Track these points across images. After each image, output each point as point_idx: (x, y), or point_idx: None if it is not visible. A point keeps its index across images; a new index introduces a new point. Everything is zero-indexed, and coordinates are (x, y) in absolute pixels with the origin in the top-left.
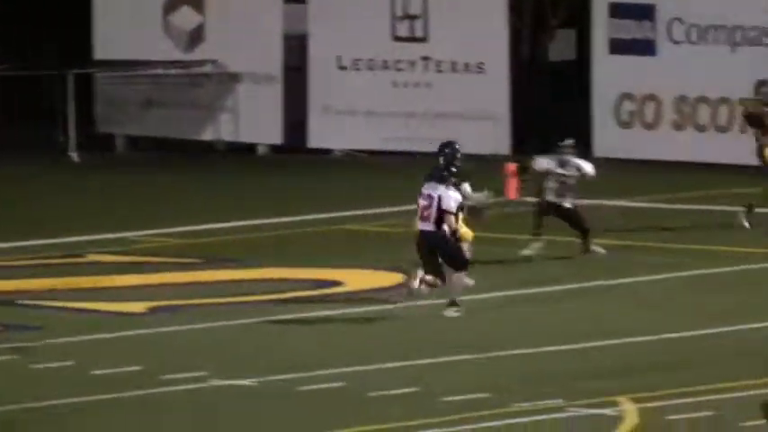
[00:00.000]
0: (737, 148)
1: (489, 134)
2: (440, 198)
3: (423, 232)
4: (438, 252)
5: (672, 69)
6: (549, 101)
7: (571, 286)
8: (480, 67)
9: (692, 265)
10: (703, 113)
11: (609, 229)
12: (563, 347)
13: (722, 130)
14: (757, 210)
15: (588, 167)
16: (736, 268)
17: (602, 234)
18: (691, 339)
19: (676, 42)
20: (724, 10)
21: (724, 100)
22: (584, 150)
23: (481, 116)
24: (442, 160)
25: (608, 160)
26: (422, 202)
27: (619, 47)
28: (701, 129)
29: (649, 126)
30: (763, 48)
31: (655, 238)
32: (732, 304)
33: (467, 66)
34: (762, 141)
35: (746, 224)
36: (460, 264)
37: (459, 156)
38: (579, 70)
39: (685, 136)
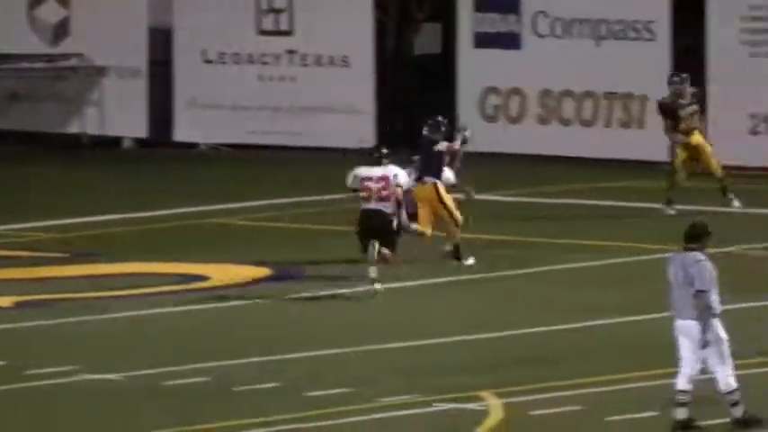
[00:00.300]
0: (602, 142)
1: (354, 128)
2: (396, 176)
3: (377, 211)
4: (381, 230)
5: (536, 63)
6: (415, 94)
7: (440, 280)
8: (345, 61)
9: (562, 259)
10: (568, 107)
11: (480, 222)
12: (430, 342)
13: (587, 124)
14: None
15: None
16: (606, 262)
17: (475, 228)
18: (558, 334)
19: (541, 36)
20: (588, 4)
21: (589, 94)
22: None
23: (346, 110)
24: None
25: (472, 154)
26: (374, 185)
27: (484, 40)
28: (565, 123)
29: (514, 120)
30: (627, 41)
31: (524, 233)
32: (603, 298)
33: (332, 59)
34: (673, 138)
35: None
36: (395, 246)
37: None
38: (444, 64)
39: (550, 130)
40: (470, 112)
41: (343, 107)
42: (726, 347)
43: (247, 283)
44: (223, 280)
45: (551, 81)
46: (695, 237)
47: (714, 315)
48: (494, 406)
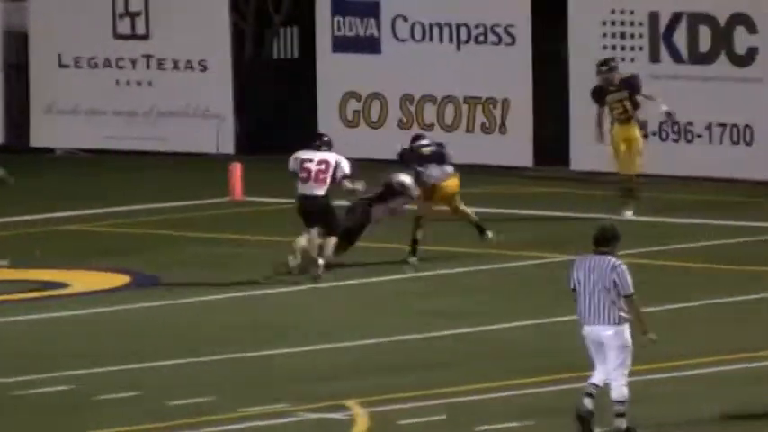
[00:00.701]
0: (464, 147)
1: (213, 133)
2: (337, 163)
3: (315, 197)
4: (320, 215)
5: (397, 68)
6: (274, 99)
7: (305, 287)
8: (203, 66)
9: (430, 266)
10: (429, 112)
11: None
12: (296, 349)
13: (448, 129)
14: (504, 210)
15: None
16: (472, 269)
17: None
18: (425, 341)
19: (401, 40)
20: (448, 8)
21: (449, 99)
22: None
23: (205, 115)
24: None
25: None
26: (314, 167)
27: (343, 45)
28: (426, 128)
29: (374, 125)
30: (488, 46)
31: (390, 239)
32: (471, 305)
33: (189, 64)
34: (600, 127)
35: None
36: (336, 229)
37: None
38: (304, 68)
39: (411, 135)
40: (330, 117)
41: (202, 112)
42: (629, 356)
43: (107, 291)
44: (83, 287)
45: (411, 86)
46: (606, 240)
47: (628, 320)
48: (359, 415)
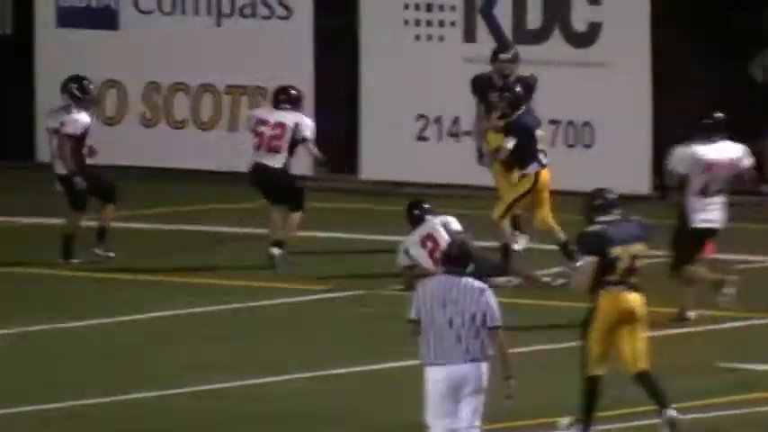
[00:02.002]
0: (227, 150)
1: None
2: (296, 125)
3: (267, 168)
4: (277, 190)
5: (138, 48)
6: None
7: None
8: None
9: (183, 302)
10: (180, 106)
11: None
12: None
13: (204, 126)
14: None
15: None
16: (218, 308)
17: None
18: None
19: (144, 12)
20: None
21: (207, 87)
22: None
23: None
24: None
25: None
26: (267, 131)
27: (69, 18)
28: (178, 125)
29: (110, 121)
30: (255, 20)
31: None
32: (209, 355)
33: None
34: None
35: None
36: (300, 204)
37: None
38: (19, 47)
39: (156, 134)
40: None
41: None
42: (482, 399)
43: None
44: None
45: (158, 71)
46: (462, 258)
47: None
48: None
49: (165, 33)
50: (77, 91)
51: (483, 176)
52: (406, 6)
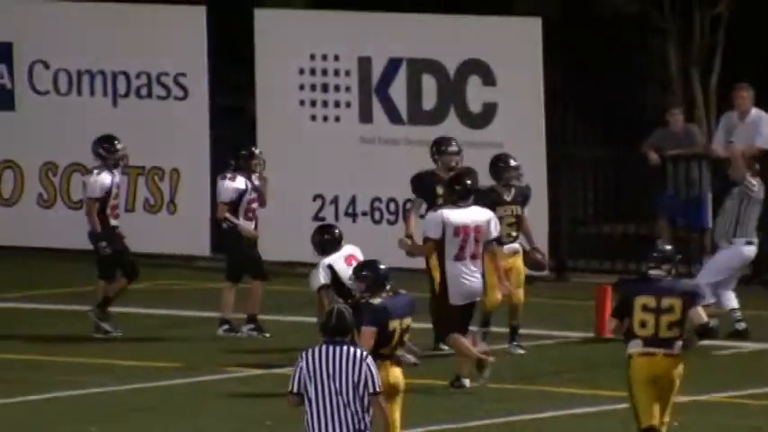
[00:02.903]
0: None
1: None
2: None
3: None
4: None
5: (36, 128)
6: None
7: None
8: None
9: (72, 382)
10: (78, 186)
11: None
12: None
13: None
14: None
15: None
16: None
17: None
18: None
19: (41, 93)
20: (102, 53)
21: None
22: None
23: None
24: None
25: None
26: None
27: None
28: (73, 206)
29: (7, 202)
30: (152, 101)
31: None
32: None
33: None
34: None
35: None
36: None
37: None
38: None
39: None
40: None
41: None
42: None
43: None
44: None
45: (56, 152)
46: (341, 327)
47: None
48: None
49: (62, 113)
50: (103, 151)
51: (379, 256)
52: (302, 87)
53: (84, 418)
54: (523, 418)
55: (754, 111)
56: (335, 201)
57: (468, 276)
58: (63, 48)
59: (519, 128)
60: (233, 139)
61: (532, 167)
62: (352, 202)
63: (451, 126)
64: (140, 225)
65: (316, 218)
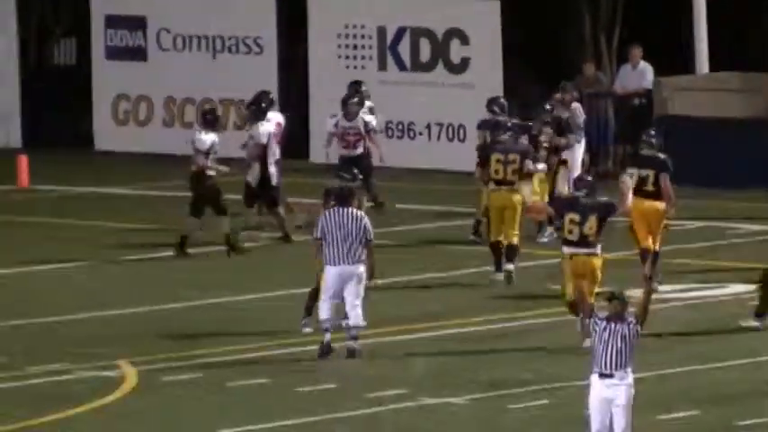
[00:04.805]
0: (222, 142)
1: (2, 131)
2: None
3: None
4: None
5: (161, 74)
6: (57, 101)
7: (82, 263)
8: None
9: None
10: (189, 113)
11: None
12: (73, 317)
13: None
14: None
15: None
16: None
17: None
18: (179, 311)
19: (165, 50)
20: (204, 22)
21: (207, 100)
22: (87, 145)
23: None
24: None
25: (107, 153)
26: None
27: (115, 53)
28: (187, 126)
29: (142, 123)
30: (239, 55)
31: (148, 220)
32: (203, 281)
33: None
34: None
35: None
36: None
37: None
38: (81, 74)
39: (173, 132)
40: (104, 116)
41: None
42: (362, 286)
43: None
44: None
45: (174, 90)
46: (347, 197)
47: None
48: (128, 373)
49: (179, 64)
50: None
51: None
52: (339, 46)
53: None
54: None
55: (642, 63)
56: None
57: None
58: (180, 20)
59: (485, 73)
60: (296, 81)
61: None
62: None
63: (440, 74)
64: (230, 138)
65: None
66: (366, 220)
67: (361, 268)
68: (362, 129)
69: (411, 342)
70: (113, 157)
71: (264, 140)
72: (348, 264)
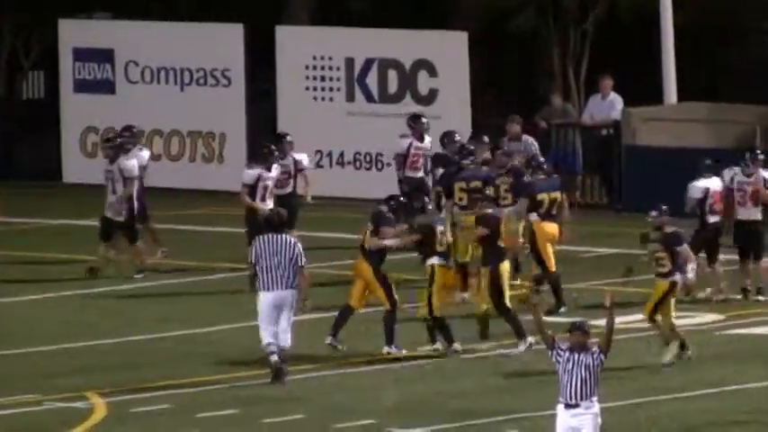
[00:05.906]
0: (187, 174)
1: None
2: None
3: None
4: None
5: (130, 106)
6: (24, 133)
7: (51, 295)
8: None
9: (148, 277)
10: (157, 144)
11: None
12: (38, 349)
13: (174, 158)
14: (219, 229)
15: None
16: (180, 281)
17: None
18: (145, 342)
19: (132, 82)
20: (173, 55)
21: (175, 132)
22: (55, 177)
23: None
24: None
25: (75, 185)
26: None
27: (83, 86)
28: (155, 158)
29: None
30: (207, 87)
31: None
32: (177, 311)
33: None
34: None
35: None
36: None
37: None
38: (49, 107)
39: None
40: (73, 148)
41: None
42: (293, 313)
43: None
44: None
45: (143, 121)
46: (281, 224)
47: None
48: (98, 404)
49: (147, 96)
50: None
51: (360, 192)
52: (307, 78)
53: None
54: None
55: (612, 94)
56: (330, 154)
57: None
58: (148, 52)
59: (453, 105)
60: (263, 112)
61: (461, 132)
62: (341, 155)
63: (407, 105)
64: (198, 171)
65: (317, 166)
66: (299, 247)
67: (294, 293)
68: (292, 167)
69: (378, 373)
70: (82, 189)
71: (136, 173)
72: (282, 289)
